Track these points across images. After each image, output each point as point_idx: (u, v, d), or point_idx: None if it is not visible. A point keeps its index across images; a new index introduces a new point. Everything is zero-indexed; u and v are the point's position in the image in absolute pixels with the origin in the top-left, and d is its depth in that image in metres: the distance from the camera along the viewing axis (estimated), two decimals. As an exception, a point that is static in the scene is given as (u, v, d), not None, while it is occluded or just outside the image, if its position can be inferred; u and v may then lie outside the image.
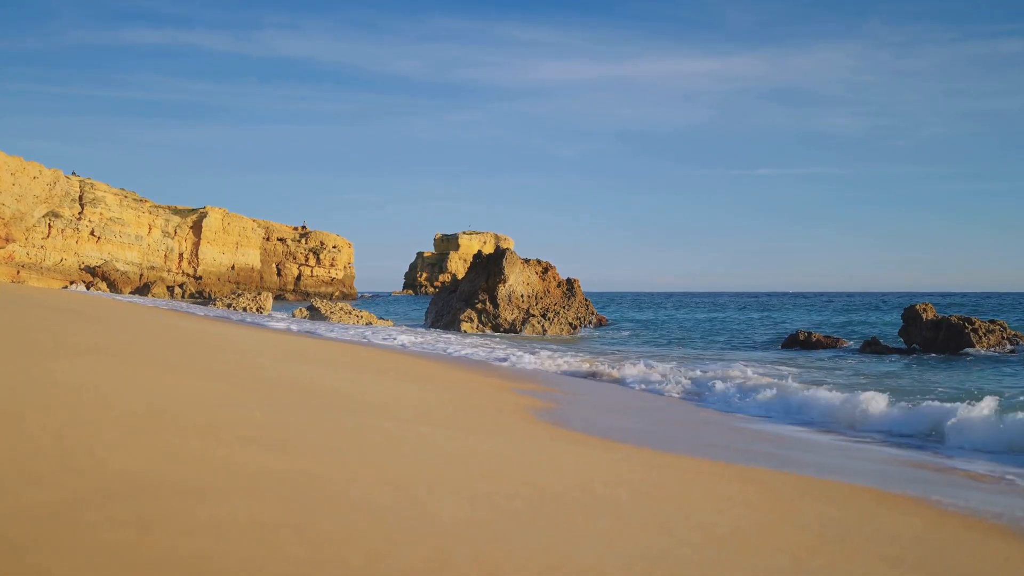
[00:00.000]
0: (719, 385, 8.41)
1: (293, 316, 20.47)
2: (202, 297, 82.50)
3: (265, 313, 19.36)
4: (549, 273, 23.95)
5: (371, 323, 21.38)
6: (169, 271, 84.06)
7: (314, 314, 20.35)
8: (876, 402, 6.35)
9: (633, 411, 6.27)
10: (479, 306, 22.59)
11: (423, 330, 22.30)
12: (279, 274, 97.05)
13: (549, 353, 13.48)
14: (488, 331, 22.32)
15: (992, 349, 17.52)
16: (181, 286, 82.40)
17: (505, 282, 22.62)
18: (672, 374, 9.92)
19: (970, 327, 17.41)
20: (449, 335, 20.04)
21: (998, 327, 18.54)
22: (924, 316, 18.24)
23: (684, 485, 2.72)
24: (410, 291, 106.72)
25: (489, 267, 23.08)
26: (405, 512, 1.73)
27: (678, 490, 2.60)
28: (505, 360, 11.40)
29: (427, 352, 12.36)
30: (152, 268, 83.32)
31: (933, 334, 18.03)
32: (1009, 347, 18.01)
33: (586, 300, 24.38)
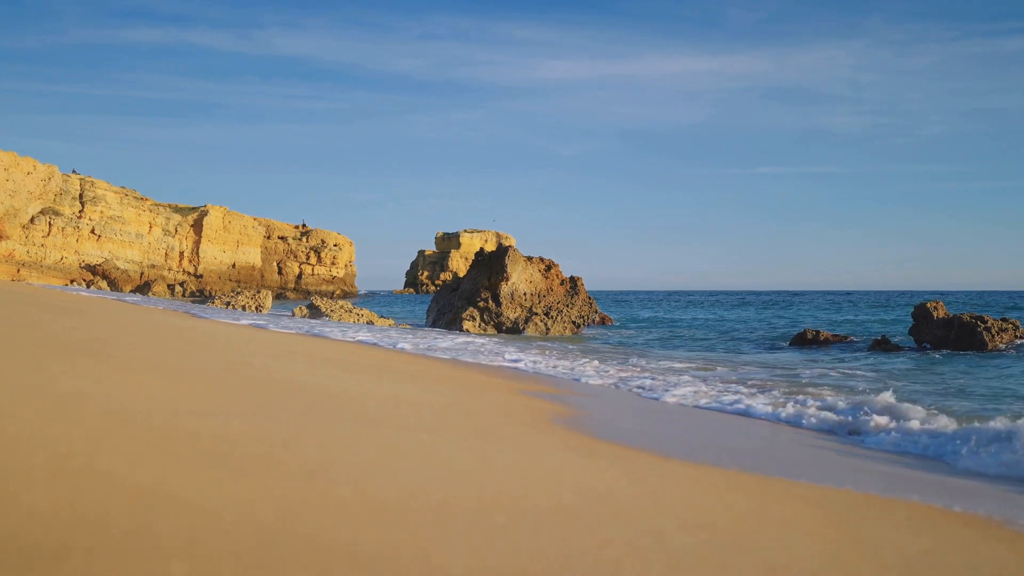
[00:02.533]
0: (754, 392, 8.01)
1: (293, 315, 20.09)
2: (203, 295, 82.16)
3: (265, 311, 18.97)
4: (552, 271, 23.54)
5: (372, 322, 20.98)
6: (170, 269, 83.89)
7: (314, 312, 19.97)
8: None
9: (656, 415, 5.86)
10: (481, 304, 22.18)
11: (426, 329, 21.92)
12: (280, 272, 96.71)
13: (556, 352, 13.08)
14: (490, 330, 21.91)
15: (1005, 347, 17.12)
16: (182, 284, 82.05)
17: (508, 280, 22.21)
18: (686, 377, 9.52)
19: (983, 325, 16.99)
20: (452, 334, 19.65)
21: (1011, 325, 18.13)
22: (935, 314, 17.83)
23: (737, 508, 2.32)
24: (411, 290, 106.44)
25: (491, 265, 22.67)
26: (402, 566, 1.32)
27: (734, 514, 2.20)
28: (515, 361, 11.00)
29: (427, 351, 11.96)
30: (152, 266, 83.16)
31: (944, 332, 17.61)
32: (1018, 343, 17.65)
33: (589, 298, 23.96)
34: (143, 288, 71.95)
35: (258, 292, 19.40)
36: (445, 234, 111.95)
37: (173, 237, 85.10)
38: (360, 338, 13.10)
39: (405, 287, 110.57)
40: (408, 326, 22.61)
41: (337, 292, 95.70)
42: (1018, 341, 17.89)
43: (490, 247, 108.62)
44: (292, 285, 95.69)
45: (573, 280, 23.92)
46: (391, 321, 22.06)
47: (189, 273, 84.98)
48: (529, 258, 23.39)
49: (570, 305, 23.00)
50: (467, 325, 21.61)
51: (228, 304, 18.07)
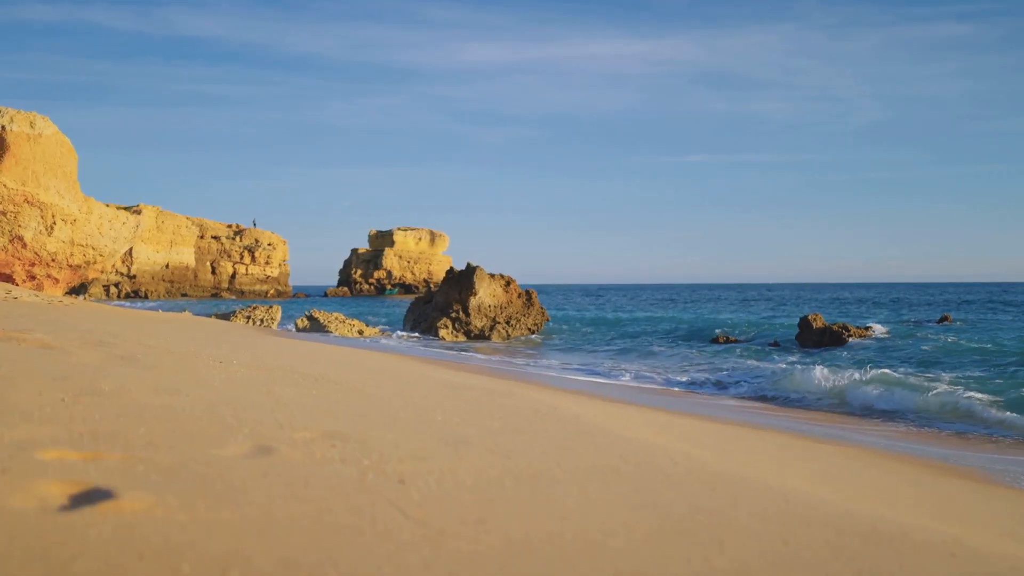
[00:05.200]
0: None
1: (296, 326, 23.54)
2: (138, 296, 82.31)
3: (275, 324, 22.31)
4: (511, 286, 27.87)
5: (361, 331, 24.69)
6: (103, 270, 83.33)
7: (314, 324, 23.49)
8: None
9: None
10: (453, 315, 26.30)
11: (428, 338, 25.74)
12: (213, 272, 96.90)
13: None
14: (461, 337, 26.06)
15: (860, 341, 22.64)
16: (116, 285, 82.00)
17: (476, 295, 26.41)
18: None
19: (846, 333, 22.47)
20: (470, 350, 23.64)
21: (869, 330, 23.84)
22: (814, 324, 23.23)
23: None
24: (345, 289, 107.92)
25: (461, 281, 26.82)
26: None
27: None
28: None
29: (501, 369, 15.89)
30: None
31: (820, 337, 23.01)
32: (873, 338, 23.44)
33: (542, 309, 28.47)
34: (79, 290, 71.88)
35: (270, 307, 22.78)
36: (379, 232, 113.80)
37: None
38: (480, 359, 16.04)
39: (339, 285, 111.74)
40: (389, 333, 26.47)
41: (271, 292, 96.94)
42: (874, 337, 23.62)
43: (424, 245, 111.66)
44: (226, 285, 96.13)
45: (528, 293, 28.34)
46: (377, 330, 25.84)
47: (122, 274, 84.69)
48: (492, 275, 27.63)
49: (526, 314, 27.44)
50: (442, 333, 25.67)
51: (248, 318, 21.34)
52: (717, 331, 27.61)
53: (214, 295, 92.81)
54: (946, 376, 12.29)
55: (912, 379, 11.16)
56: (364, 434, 2.96)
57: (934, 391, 9.82)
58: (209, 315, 26.43)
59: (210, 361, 5.21)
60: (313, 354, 7.88)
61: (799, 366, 14.57)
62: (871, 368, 11.88)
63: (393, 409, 3.86)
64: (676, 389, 11.67)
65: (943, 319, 33.47)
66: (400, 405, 4.04)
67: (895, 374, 11.48)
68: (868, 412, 9.41)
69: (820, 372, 11.23)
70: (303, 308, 37.16)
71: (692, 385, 12.34)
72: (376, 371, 6.33)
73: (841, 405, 9.80)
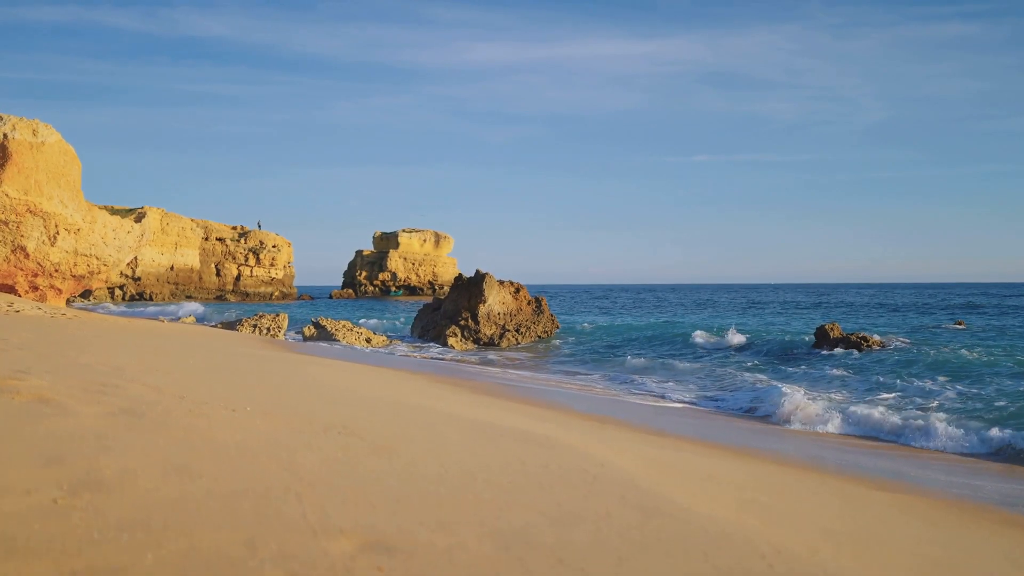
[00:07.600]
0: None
1: (304, 336, 23.14)
2: (142, 299, 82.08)
3: (282, 333, 21.91)
4: (520, 293, 27.42)
5: (369, 339, 24.26)
6: (107, 280, 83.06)
7: (321, 332, 23.07)
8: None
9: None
10: (462, 323, 25.86)
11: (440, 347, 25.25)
12: (218, 274, 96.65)
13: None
14: (470, 345, 25.61)
15: (879, 349, 22.18)
16: (121, 288, 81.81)
17: (485, 302, 25.97)
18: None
19: (865, 343, 21.98)
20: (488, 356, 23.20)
21: (888, 339, 23.32)
22: (832, 334, 22.77)
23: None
24: (350, 291, 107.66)
25: (471, 289, 26.38)
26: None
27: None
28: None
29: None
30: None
31: (838, 347, 22.53)
32: (895, 346, 22.97)
33: (552, 315, 28.01)
34: (84, 293, 71.68)
35: (276, 315, 22.42)
36: (383, 234, 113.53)
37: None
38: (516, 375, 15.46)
39: (343, 287, 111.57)
40: (397, 341, 26.05)
41: (276, 294, 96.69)
42: (893, 347, 23.14)
43: (428, 246, 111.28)
44: (231, 287, 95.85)
45: (538, 300, 27.90)
46: (385, 338, 25.42)
47: (127, 276, 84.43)
48: (501, 282, 27.19)
49: (536, 322, 26.99)
50: (451, 341, 25.24)
51: (255, 327, 20.96)
52: (732, 338, 27.12)
53: (219, 297, 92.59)
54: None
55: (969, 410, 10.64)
56: (409, 534, 2.52)
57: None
58: (214, 324, 26.04)
59: (222, 409, 4.78)
60: (327, 384, 7.45)
61: (843, 390, 13.97)
62: (934, 400, 11.33)
63: (431, 481, 3.42)
64: (719, 414, 11.15)
65: (958, 324, 33.01)
66: (437, 472, 3.61)
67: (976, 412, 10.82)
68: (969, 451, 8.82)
69: (879, 406, 10.65)
70: (308, 311, 36.78)
71: (725, 405, 11.84)
72: (397, 410, 5.89)
73: (926, 439, 9.16)
